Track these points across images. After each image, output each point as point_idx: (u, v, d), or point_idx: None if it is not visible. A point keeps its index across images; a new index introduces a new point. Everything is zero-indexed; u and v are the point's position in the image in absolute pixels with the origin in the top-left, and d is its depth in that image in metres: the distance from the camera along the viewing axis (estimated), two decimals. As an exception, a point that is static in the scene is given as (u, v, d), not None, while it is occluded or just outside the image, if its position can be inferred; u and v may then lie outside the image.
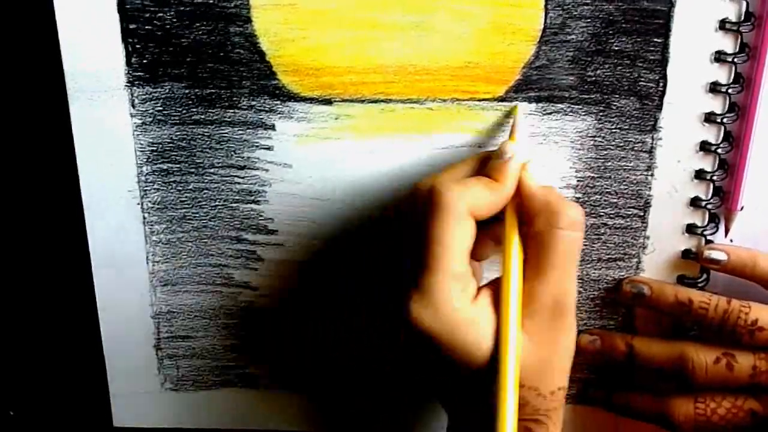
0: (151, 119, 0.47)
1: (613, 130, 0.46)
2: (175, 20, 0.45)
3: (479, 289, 0.42)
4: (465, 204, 0.40)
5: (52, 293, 0.54)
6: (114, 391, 0.53)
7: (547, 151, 0.47)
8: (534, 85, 0.45)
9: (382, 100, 0.46)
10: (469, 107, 0.46)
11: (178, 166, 0.48)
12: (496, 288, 0.41)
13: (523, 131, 0.45)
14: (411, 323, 0.39)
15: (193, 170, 0.48)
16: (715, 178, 0.47)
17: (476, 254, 0.43)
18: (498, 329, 0.40)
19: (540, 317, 0.40)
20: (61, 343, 0.55)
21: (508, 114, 0.46)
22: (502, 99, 0.46)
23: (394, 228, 0.46)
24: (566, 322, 0.41)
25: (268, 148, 0.47)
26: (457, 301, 0.39)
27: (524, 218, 0.42)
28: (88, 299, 0.51)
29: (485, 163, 0.43)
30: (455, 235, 0.39)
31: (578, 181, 0.47)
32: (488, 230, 0.43)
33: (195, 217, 0.49)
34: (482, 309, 0.40)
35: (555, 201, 0.41)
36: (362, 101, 0.46)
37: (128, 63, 0.46)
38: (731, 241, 0.48)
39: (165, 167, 0.48)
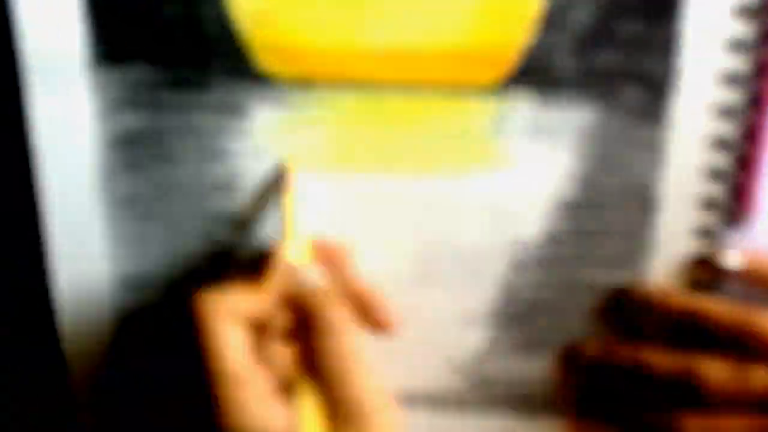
0: (116, 104, 0.47)
1: (619, 122, 0.46)
2: (140, -6, 0.44)
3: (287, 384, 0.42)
4: (227, 307, 0.41)
5: (4, 300, 0.54)
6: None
7: (547, 145, 0.46)
8: (533, 73, 0.45)
9: (370, 86, 0.46)
10: (463, 95, 0.46)
11: (145, 155, 0.48)
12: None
13: (300, 219, 0.46)
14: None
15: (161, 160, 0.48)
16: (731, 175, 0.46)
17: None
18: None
19: (339, 428, 0.40)
20: (17, 354, 0.55)
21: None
22: (499, 87, 0.46)
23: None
24: (369, 428, 0.40)
25: (244, 137, 0.47)
26: (243, 405, 0.40)
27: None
28: (43, 302, 0.51)
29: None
30: (223, 339, 0.41)
31: (580, 177, 0.47)
32: None
33: (163, 211, 0.49)
34: (275, 414, 0.41)
35: (314, 308, 0.42)
36: (347, 87, 0.46)
37: (92, 43, 0.45)
38: (749, 245, 0.47)
39: (131, 157, 0.48)
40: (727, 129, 0.45)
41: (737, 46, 0.44)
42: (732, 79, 0.44)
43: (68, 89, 0.46)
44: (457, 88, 0.46)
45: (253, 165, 0.47)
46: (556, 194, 0.47)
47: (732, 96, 0.45)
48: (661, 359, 0.47)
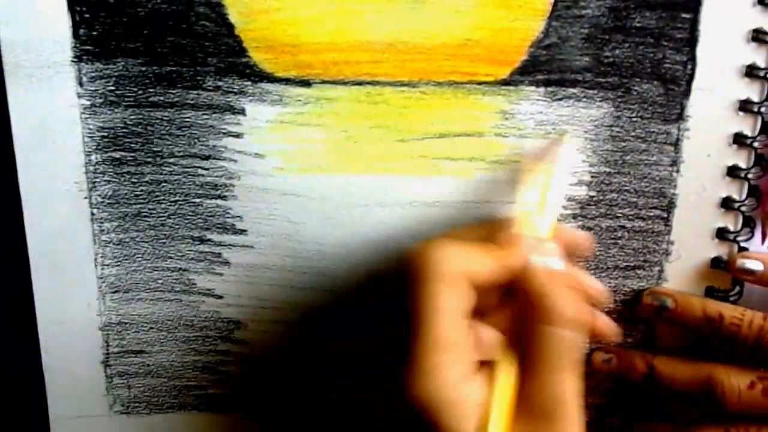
0: (101, 100, 0.46)
1: (633, 119, 0.46)
2: (130, -14, 0.44)
3: (483, 363, 0.40)
4: (456, 266, 0.39)
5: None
6: (55, 414, 0.52)
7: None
8: (543, 67, 0.45)
9: (368, 82, 0.45)
10: (468, 91, 0.45)
11: (132, 154, 0.47)
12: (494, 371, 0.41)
13: (555, 195, 0.44)
14: (401, 389, 0.39)
15: (149, 160, 0.47)
16: (750, 175, 0.46)
17: (493, 321, 0.42)
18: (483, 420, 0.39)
19: (529, 420, 0.39)
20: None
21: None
22: (505, 82, 0.45)
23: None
24: (560, 426, 0.39)
25: (237, 136, 0.47)
26: (445, 374, 0.38)
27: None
28: (25, 308, 0.50)
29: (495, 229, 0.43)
30: (444, 300, 0.39)
31: (592, 176, 0.47)
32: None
33: (151, 213, 0.48)
34: (472, 389, 0.39)
35: (548, 293, 0.40)
36: (345, 83, 0.45)
37: (75, 35, 0.45)
38: (769, 248, 0.47)
39: (117, 156, 0.47)
40: (746, 126, 0.45)
41: (757, 39, 0.44)
42: (752, 74, 0.45)
43: (50, 84, 0.46)
44: (462, 84, 0.45)
45: (246, 164, 0.47)
46: (566, 194, 0.47)
47: (752, 92, 0.45)
48: (677, 369, 0.47)
